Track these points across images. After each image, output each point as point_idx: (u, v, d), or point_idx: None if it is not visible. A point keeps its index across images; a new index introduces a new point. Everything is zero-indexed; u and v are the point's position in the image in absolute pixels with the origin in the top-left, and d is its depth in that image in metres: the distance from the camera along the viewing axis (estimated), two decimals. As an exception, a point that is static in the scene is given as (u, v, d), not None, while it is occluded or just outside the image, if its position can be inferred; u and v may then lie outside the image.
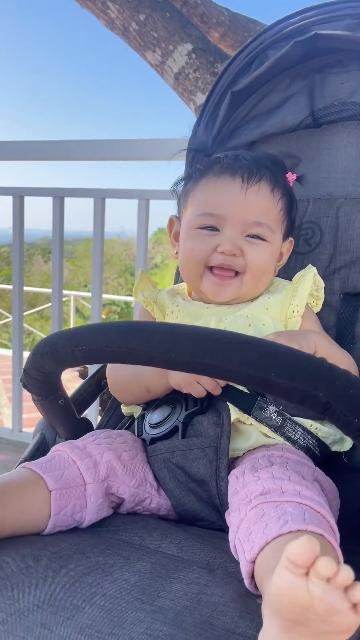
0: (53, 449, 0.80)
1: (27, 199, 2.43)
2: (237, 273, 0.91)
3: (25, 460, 0.86)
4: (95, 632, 0.50)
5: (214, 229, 0.91)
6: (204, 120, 1.28)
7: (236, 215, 0.90)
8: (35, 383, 0.76)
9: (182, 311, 0.94)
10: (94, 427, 0.95)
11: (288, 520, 0.58)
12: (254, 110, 1.27)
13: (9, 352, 6.55)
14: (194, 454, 0.77)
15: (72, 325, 8.74)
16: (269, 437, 0.81)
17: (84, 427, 0.90)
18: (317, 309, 1.00)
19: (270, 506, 0.62)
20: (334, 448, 0.87)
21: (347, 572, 0.45)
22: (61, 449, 0.78)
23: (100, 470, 0.76)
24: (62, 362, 0.70)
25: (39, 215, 2.31)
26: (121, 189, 2.32)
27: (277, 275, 1.03)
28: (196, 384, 0.79)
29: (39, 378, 0.74)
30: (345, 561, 0.68)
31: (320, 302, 1.00)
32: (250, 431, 0.81)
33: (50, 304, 2.54)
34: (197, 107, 2.22)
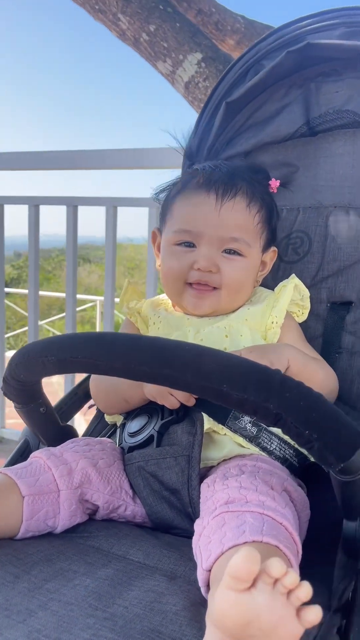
0: (31, 455, 0.82)
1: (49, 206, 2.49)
2: (215, 288, 0.92)
3: (6, 465, 0.88)
4: (43, 636, 0.51)
5: (190, 245, 0.93)
6: (200, 130, 1.29)
7: (212, 232, 0.91)
8: (14, 392, 0.78)
9: (163, 322, 0.96)
10: (79, 435, 0.97)
11: (245, 531, 0.59)
12: (250, 120, 1.28)
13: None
14: (167, 463, 0.78)
15: (97, 329, 8.82)
16: (244, 447, 0.82)
17: (67, 435, 0.91)
18: (303, 318, 1.00)
19: (232, 516, 0.63)
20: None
21: (293, 575, 0.45)
22: (38, 456, 0.80)
23: (74, 478, 0.77)
24: (34, 372, 0.72)
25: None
26: (133, 197, 2.35)
27: (265, 284, 1.04)
28: (168, 395, 0.80)
29: (17, 387, 0.76)
30: (323, 571, 0.68)
31: (306, 312, 1.00)
32: (224, 441, 0.82)
33: (77, 309, 2.58)
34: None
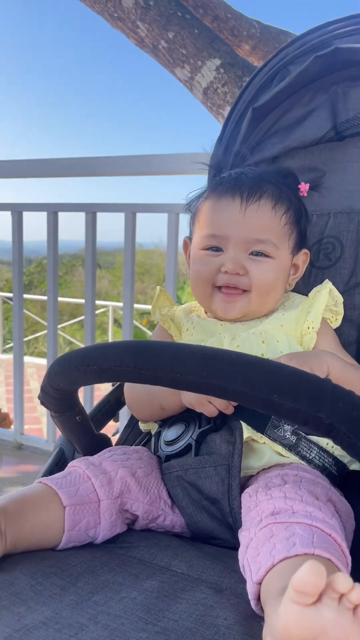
0: (70, 464, 0.81)
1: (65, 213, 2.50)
2: (244, 290, 0.92)
3: (44, 475, 0.88)
4: (97, 650, 0.51)
5: (218, 249, 0.93)
6: (226, 136, 1.29)
7: (237, 235, 0.91)
8: (51, 400, 0.78)
9: (197, 328, 0.95)
10: (113, 443, 0.96)
11: (296, 543, 0.58)
12: (276, 125, 1.28)
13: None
14: (206, 472, 0.77)
15: (110, 335, 8.85)
16: (283, 455, 0.81)
17: (102, 443, 0.91)
18: (337, 324, 0.99)
19: (280, 527, 0.62)
20: (353, 467, 0.86)
21: (359, 591, 0.44)
22: (77, 465, 0.79)
23: (114, 487, 0.77)
24: (74, 381, 0.71)
25: (80, 227, 2.38)
26: (151, 203, 2.36)
27: (296, 291, 1.03)
28: (208, 404, 0.80)
29: (55, 395, 0.76)
30: None
31: (340, 318, 0.99)
32: (263, 450, 0.81)
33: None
34: (226, 121, 2.24)
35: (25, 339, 9.02)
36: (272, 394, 0.56)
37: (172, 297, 2.33)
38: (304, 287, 1.04)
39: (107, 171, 2.31)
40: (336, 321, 0.98)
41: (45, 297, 2.63)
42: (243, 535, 0.66)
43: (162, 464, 0.84)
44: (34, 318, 9.72)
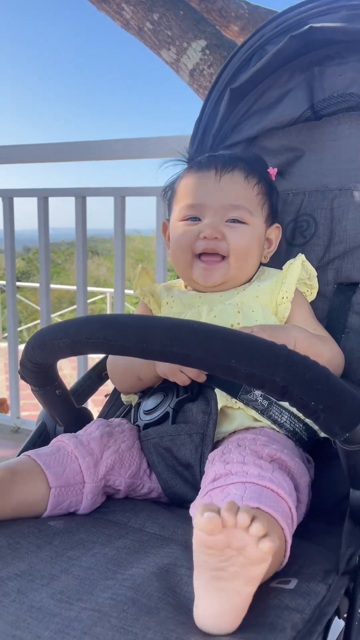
0: (57, 438, 0.85)
1: (61, 198, 2.52)
2: (223, 258, 0.95)
3: (26, 448, 0.91)
4: (66, 597, 0.55)
5: (196, 219, 0.97)
6: (205, 117, 1.31)
7: (214, 202, 0.95)
8: (30, 374, 0.81)
9: (177, 302, 0.99)
10: (94, 417, 1.00)
11: None
12: (254, 106, 1.29)
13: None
14: (181, 439, 0.81)
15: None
16: (257, 420, 0.84)
17: (84, 418, 0.95)
18: (312, 297, 1.02)
19: (217, 491, 0.66)
20: (323, 435, 0.89)
21: (242, 517, 0.51)
22: (66, 442, 0.83)
23: (99, 470, 0.81)
24: (50, 354, 0.75)
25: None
26: (140, 186, 2.36)
27: (271, 266, 1.06)
28: (180, 373, 0.83)
29: (33, 369, 0.79)
30: (332, 541, 0.72)
31: (314, 292, 1.02)
32: (235, 415, 0.85)
33: (87, 301, 2.62)
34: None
35: (25, 327, 9.06)
36: (230, 359, 0.59)
37: (162, 279, 2.35)
38: (279, 264, 1.07)
39: (96, 155, 2.33)
40: (311, 294, 1.02)
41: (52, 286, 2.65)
42: (191, 507, 0.70)
43: (140, 433, 0.88)
44: (33, 306, 9.74)
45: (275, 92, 1.28)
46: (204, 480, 0.71)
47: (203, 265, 0.96)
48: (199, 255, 0.96)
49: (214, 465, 0.70)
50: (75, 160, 2.38)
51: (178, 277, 1.12)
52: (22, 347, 0.76)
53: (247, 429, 0.83)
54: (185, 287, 1.04)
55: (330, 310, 1.05)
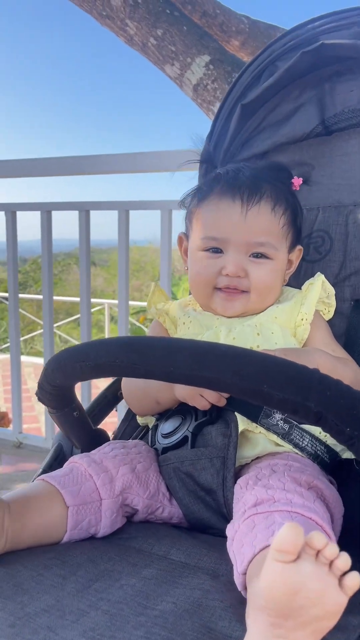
0: (70, 460, 0.83)
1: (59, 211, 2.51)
2: (244, 291, 0.94)
3: (44, 471, 0.89)
4: (97, 634, 0.52)
5: (218, 250, 0.95)
6: (216, 133, 1.31)
7: (238, 238, 0.92)
8: (49, 397, 0.79)
9: (194, 322, 0.97)
10: (110, 437, 0.98)
11: (275, 531, 0.60)
12: (264, 121, 1.29)
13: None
14: (202, 464, 0.79)
15: (106, 332, 8.86)
16: (278, 444, 0.83)
17: (100, 438, 0.93)
18: (329, 316, 1.01)
19: (261, 517, 0.64)
20: (345, 455, 0.88)
21: (333, 547, 0.48)
22: (78, 462, 0.81)
23: (116, 486, 0.79)
24: (70, 377, 0.73)
25: (75, 226, 2.39)
26: (144, 200, 2.36)
27: (287, 284, 1.05)
28: (200, 397, 0.82)
29: (52, 392, 0.78)
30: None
31: (332, 310, 1.01)
32: (257, 439, 0.83)
33: None
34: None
35: (22, 339, 9.02)
36: (261, 384, 0.58)
37: (167, 294, 2.35)
38: (294, 280, 1.06)
39: (100, 169, 2.32)
40: (329, 313, 1.00)
41: (41, 296, 2.64)
42: (229, 528, 0.68)
43: (159, 457, 0.86)
44: (30, 317, 9.71)
45: (286, 107, 1.28)
46: (241, 504, 0.68)
47: (223, 295, 0.94)
48: (219, 288, 0.95)
49: (255, 490, 0.68)
50: (77, 174, 2.38)
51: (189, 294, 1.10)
52: (23, 358, 0.74)
53: (271, 454, 0.81)
54: (202, 306, 1.03)
55: (348, 328, 1.04)
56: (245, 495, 0.69)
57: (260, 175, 0.97)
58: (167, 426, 0.87)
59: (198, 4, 2.68)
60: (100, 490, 0.77)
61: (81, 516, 0.75)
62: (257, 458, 0.82)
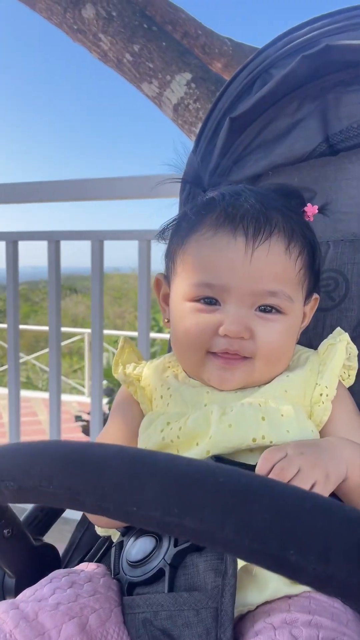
0: None
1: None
2: (246, 356, 0.70)
3: None
4: None
5: (213, 301, 0.71)
6: (200, 151, 1.09)
7: (242, 286, 0.69)
8: None
9: (175, 396, 0.73)
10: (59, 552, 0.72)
11: None
12: (258, 138, 1.09)
13: (23, 393, 6.48)
14: (185, 617, 0.54)
15: (86, 361, 8.55)
16: (295, 582, 0.58)
17: (43, 558, 0.67)
18: (350, 381, 0.78)
19: None
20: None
21: None
22: (1, 617, 0.55)
23: None
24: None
25: (62, 253, 2.19)
26: (120, 230, 2.14)
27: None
28: None
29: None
30: None
31: (354, 374, 0.78)
32: (265, 576, 0.58)
33: (64, 342, 2.37)
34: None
35: (1, 368, 8.69)
36: (286, 549, 0.34)
37: (146, 327, 2.11)
38: (301, 334, 0.83)
39: (72, 196, 2.11)
40: (349, 378, 0.77)
41: (20, 326, 2.39)
42: None
43: (123, 596, 0.61)
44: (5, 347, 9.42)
45: (283, 123, 1.07)
46: None
47: (220, 363, 0.70)
48: (215, 352, 0.71)
49: None
50: (46, 202, 2.16)
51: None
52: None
53: (286, 597, 0.57)
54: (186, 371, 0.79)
55: (374, 397, 0.81)
56: None
57: (268, 202, 0.72)
58: (135, 550, 0.61)
59: (179, 24, 2.53)
60: None
61: None
62: (266, 603, 0.57)
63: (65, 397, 5.74)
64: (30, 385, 9.61)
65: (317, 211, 0.82)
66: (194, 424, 0.66)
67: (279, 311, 0.70)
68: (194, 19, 2.69)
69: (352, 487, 0.60)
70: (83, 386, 8.55)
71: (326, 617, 0.52)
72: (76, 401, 6.37)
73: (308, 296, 0.77)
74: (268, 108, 1.07)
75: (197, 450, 0.65)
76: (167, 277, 0.80)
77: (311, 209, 0.81)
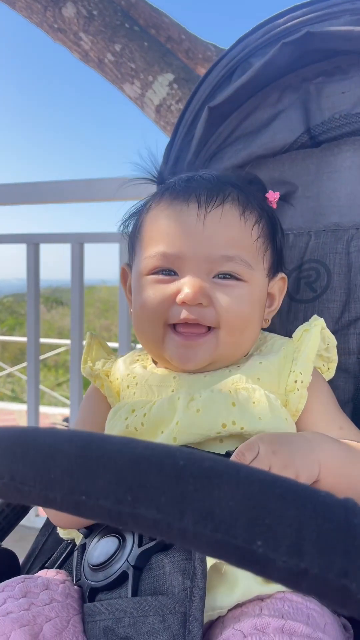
0: None
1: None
2: (209, 328, 0.67)
3: None
4: None
5: (170, 272, 0.68)
6: (176, 145, 1.06)
7: (197, 252, 0.66)
8: None
9: (140, 384, 0.69)
10: (19, 560, 0.67)
11: None
12: (238, 129, 1.06)
13: (6, 406, 6.38)
14: (150, 624, 0.49)
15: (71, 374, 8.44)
16: (268, 582, 0.53)
17: (1, 567, 0.62)
18: (330, 374, 0.74)
19: None
20: None
21: None
22: None
23: None
24: None
25: (57, 262, 2.13)
26: (101, 232, 2.10)
27: (271, 331, 0.78)
28: None
29: None
30: None
31: (333, 366, 0.74)
32: (236, 576, 0.53)
33: (49, 354, 2.31)
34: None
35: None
36: (253, 539, 0.30)
37: (127, 338, 2.06)
38: (280, 326, 0.80)
39: (49, 198, 2.06)
40: (329, 370, 0.73)
41: (11, 338, 2.33)
42: None
43: (84, 603, 0.55)
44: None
45: (263, 113, 1.05)
46: None
47: (180, 339, 0.66)
48: (174, 325, 0.67)
49: None
50: (21, 204, 2.11)
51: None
52: None
53: (258, 599, 0.52)
54: (154, 361, 0.75)
55: (356, 391, 0.76)
56: None
57: (223, 178, 0.72)
58: (97, 552, 0.56)
59: (162, 28, 2.51)
60: None
61: None
62: (237, 606, 0.52)
63: (49, 410, 5.67)
64: (16, 398, 9.53)
65: (278, 198, 0.80)
66: (159, 410, 0.62)
67: (237, 278, 0.68)
68: (177, 24, 2.68)
69: (330, 485, 0.56)
70: (68, 399, 8.47)
71: (301, 621, 0.47)
72: (60, 413, 6.29)
73: (272, 272, 0.75)
74: (249, 98, 1.04)
75: (162, 437, 0.61)
76: (129, 266, 0.78)
77: (273, 195, 0.79)
